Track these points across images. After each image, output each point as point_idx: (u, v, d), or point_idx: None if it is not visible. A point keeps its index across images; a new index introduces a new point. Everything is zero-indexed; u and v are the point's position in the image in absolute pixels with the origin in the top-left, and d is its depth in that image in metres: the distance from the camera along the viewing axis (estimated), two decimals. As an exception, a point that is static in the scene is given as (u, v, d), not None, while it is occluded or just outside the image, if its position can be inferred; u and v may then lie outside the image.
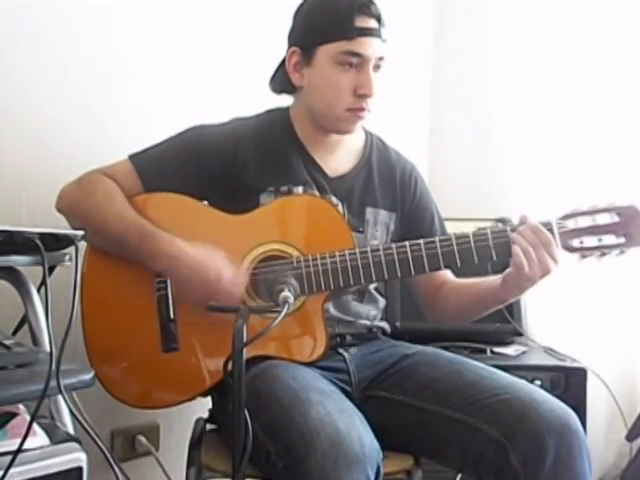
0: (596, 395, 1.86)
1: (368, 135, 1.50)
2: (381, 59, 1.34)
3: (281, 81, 1.43)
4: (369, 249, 1.29)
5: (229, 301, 1.24)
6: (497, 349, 1.89)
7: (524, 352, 1.91)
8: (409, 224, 1.47)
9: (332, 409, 1.10)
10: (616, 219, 1.26)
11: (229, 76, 1.86)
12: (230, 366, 0.96)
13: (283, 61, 1.41)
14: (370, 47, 1.31)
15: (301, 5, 1.39)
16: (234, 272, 1.26)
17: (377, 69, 1.34)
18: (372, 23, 1.31)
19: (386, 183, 1.46)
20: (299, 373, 1.22)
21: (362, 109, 1.34)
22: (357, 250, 1.29)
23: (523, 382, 1.27)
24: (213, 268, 1.24)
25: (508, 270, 1.28)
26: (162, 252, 1.25)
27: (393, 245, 1.29)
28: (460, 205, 2.15)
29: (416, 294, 1.52)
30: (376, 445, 1.10)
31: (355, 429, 1.08)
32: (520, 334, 1.96)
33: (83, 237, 1.05)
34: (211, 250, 1.27)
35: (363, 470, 1.04)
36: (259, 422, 1.04)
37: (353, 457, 1.03)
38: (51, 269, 1.13)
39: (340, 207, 1.39)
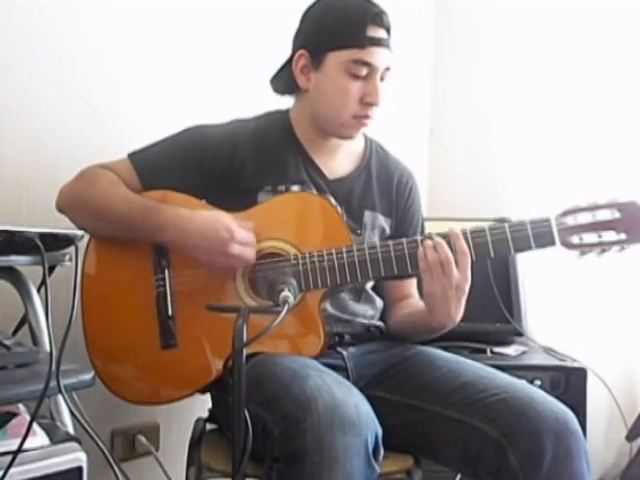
0: (596, 395, 1.87)
1: (368, 141, 1.51)
2: (387, 69, 1.35)
3: (286, 82, 1.42)
4: (366, 246, 1.29)
5: (244, 259, 1.26)
6: (497, 349, 1.89)
7: (524, 352, 1.91)
8: (395, 230, 1.48)
9: (329, 381, 1.12)
10: (617, 215, 1.24)
11: (228, 75, 1.86)
12: (230, 365, 0.96)
13: (287, 62, 1.41)
14: (379, 57, 1.32)
15: (311, 7, 1.39)
16: (244, 232, 1.27)
17: (382, 79, 1.35)
18: (382, 33, 1.33)
19: (384, 189, 1.47)
20: (298, 358, 1.24)
21: (367, 117, 1.36)
22: (354, 247, 1.29)
23: (522, 382, 1.27)
24: (222, 227, 1.25)
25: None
26: (168, 223, 1.27)
27: (390, 242, 1.29)
28: (460, 205, 2.16)
29: (383, 298, 1.51)
30: (372, 415, 1.11)
31: (351, 397, 1.10)
32: (520, 334, 1.96)
33: (83, 237, 1.05)
34: (216, 212, 1.29)
35: (359, 435, 1.05)
36: (257, 400, 1.05)
37: (348, 421, 1.04)
38: (51, 269, 1.13)
39: (338, 209, 1.39)
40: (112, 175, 1.36)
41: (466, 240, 1.26)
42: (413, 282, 1.50)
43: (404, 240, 1.29)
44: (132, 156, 1.39)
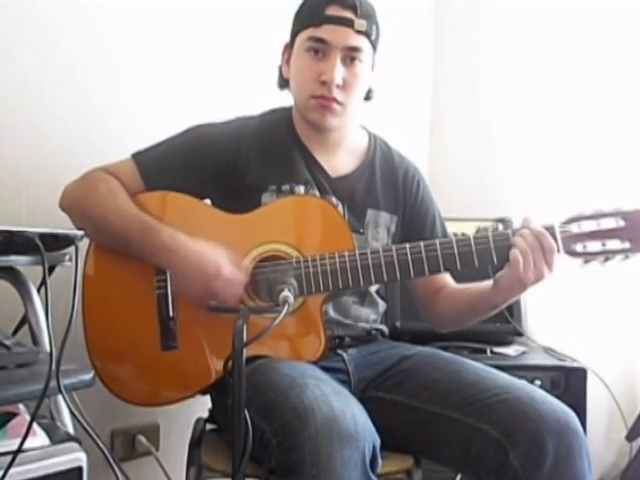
0: (596, 395, 1.86)
1: (372, 137, 1.50)
2: (355, 50, 1.32)
3: (280, 77, 1.45)
4: (369, 251, 1.29)
5: (225, 299, 1.25)
6: (497, 349, 1.89)
7: (524, 352, 1.91)
8: (410, 227, 1.47)
9: (328, 391, 1.11)
10: (621, 224, 1.24)
11: (231, 74, 1.86)
12: (230, 365, 0.96)
13: None
14: (336, 35, 1.31)
15: None
16: (233, 270, 1.26)
17: (352, 60, 1.33)
18: (346, 13, 1.31)
19: (389, 185, 1.46)
20: (297, 365, 1.23)
21: (325, 97, 1.33)
22: (357, 252, 1.29)
23: (522, 382, 1.27)
24: (213, 264, 1.25)
25: (502, 272, 1.27)
26: (163, 245, 1.26)
27: (393, 247, 1.29)
28: (460, 205, 2.15)
29: (415, 298, 1.52)
30: (370, 426, 1.10)
31: (349, 409, 1.09)
32: (520, 334, 1.96)
33: (83, 237, 1.05)
34: (213, 246, 1.27)
35: (356, 447, 1.04)
36: (255, 407, 1.05)
37: (346, 434, 1.03)
38: (51, 269, 1.13)
39: (340, 208, 1.39)
40: (113, 182, 1.34)
41: (469, 246, 1.26)
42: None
43: (407, 245, 1.28)
44: (135, 157, 1.38)
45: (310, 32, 1.32)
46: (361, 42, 1.33)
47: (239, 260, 1.29)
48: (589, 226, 1.25)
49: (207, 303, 1.24)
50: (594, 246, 1.25)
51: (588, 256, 1.25)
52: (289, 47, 1.40)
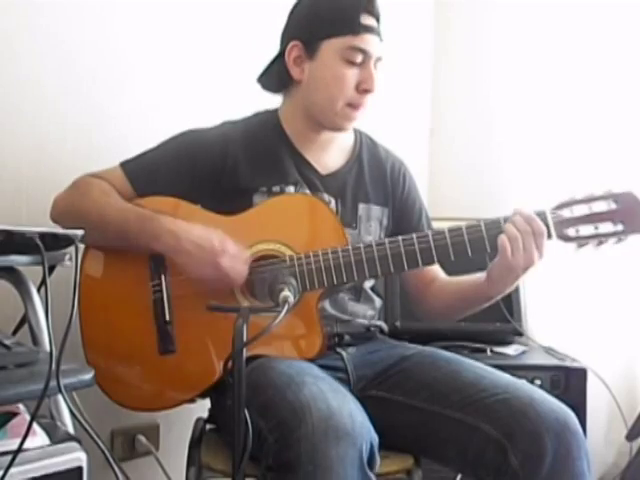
0: (596, 395, 1.86)
1: (357, 133, 1.51)
2: (379, 59, 1.36)
3: (277, 77, 1.42)
4: (362, 245, 1.29)
5: (234, 277, 1.26)
6: (497, 349, 1.89)
7: (524, 352, 1.91)
8: (399, 219, 1.49)
9: (325, 388, 1.12)
10: (613, 206, 1.24)
11: (231, 78, 1.86)
12: (230, 365, 0.96)
13: (276, 57, 1.41)
14: (373, 44, 1.34)
15: (299, 2, 1.40)
16: (237, 247, 1.27)
17: (375, 69, 1.36)
18: (374, 22, 1.34)
19: (377, 179, 1.47)
20: (295, 363, 1.23)
21: (362, 105, 1.36)
22: (350, 247, 1.29)
23: (522, 382, 1.27)
24: (218, 241, 1.25)
25: (492, 262, 1.28)
26: (165, 230, 1.26)
27: (386, 240, 1.29)
28: (460, 205, 2.16)
29: (406, 291, 1.54)
30: (368, 424, 1.10)
31: (346, 406, 1.09)
32: (520, 334, 1.97)
33: (83, 237, 1.05)
34: (213, 229, 1.28)
35: (352, 444, 1.04)
36: (254, 406, 1.05)
37: (342, 431, 1.04)
38: (51, 269, 1.13)
39: (333, 204, 1.40)
40: (105, 185, 1.36)
41: (461, 235, 1.26)
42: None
43: (400, 238, 1.29)
44: (124, 164, 1.39)
45: (349, 41, 1.32)
46: (383, 51, 1.36)
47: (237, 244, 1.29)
48: (581, 210, 1.25)
49: (207, 303, 1.24)
50: (587, 230, 1.24)
51: (581, 240, 1.25)
52: (301, 48, 1.36)
